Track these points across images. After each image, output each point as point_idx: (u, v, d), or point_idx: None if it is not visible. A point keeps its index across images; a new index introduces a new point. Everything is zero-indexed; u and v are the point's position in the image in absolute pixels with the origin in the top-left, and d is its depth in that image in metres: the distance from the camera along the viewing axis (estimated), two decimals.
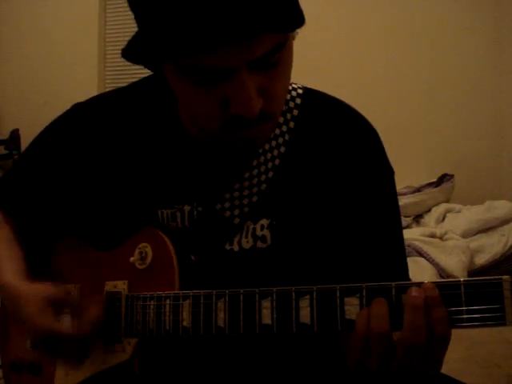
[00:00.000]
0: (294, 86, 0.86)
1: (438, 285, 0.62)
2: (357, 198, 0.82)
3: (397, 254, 0.85)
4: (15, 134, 3.94)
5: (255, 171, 0.81)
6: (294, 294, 0.68)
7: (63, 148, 0.88)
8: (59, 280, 0.87)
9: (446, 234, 2.73)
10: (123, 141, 0.85)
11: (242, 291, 0.71)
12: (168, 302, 0.76)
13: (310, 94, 0.86)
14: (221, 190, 0.81)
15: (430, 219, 3.00)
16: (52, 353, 0.79)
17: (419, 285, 0.63)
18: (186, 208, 0.81)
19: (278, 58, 0.68)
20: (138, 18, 0.67)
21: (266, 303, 0.69)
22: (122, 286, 0.81)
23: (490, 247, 2.68)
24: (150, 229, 0.81)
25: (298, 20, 0.65)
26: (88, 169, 0.87)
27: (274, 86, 0.69)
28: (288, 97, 0.83)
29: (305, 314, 0.67)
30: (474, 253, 2.64)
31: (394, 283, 0.64)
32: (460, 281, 0.61)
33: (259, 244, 0.80)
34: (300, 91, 0.85)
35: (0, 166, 4.06)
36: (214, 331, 0.72)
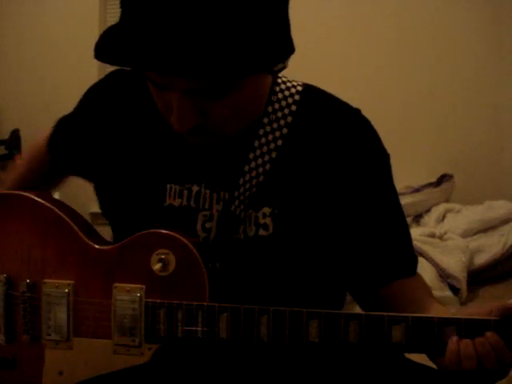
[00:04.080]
0: (293, 83, 0.89)
1: (471, 322, 0.72)
2: (355, 186, 0.85)
3: (398, 235, 0.89)
4: (15, 134, 3.93)
5: (253, 164, 0.84)
6: (342, 318, 0.74)
7: (97, 113, 0.93)
8: (51, 273, 0.83)
9: (445, 233, 2.73)
10: (142, 118, 0.89)
11: (287, 310, 0.74)
12: (200, 313, 0.76)
13: (308, 90, 0.89)
14: (230, 178, 0.84)
15: (429, 219, 2.99)
16: None
17: (460, 323, 0.72)
18: (195, 188, 0.84)
19: (227, 91, 0.71)
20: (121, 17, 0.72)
21: (314, 323, 0.74)
22: (138, 291, 0.79)
23: (490, 247, 2.68)
24: (168, 234, 0.79)
25: (230, 72, 0.67)
26: (110, 138, 0.90)
27: (219, 112, 0.73)
28: (287, 93, 0.87)
29: (353, 336, 0.73)
30: (473, 253, 2.64)
31: (436, 317, 0.73)
32: (490, 320, 0.72)
33: (261, 232, 0.82)
34: (299, 88, 0.89)
35: (0, 166, 4.05)
36: (256, 344, 0.75)
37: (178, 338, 0.77)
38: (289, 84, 0.89)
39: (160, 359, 0.80)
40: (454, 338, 0.72)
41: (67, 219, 0.84)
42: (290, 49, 0.72)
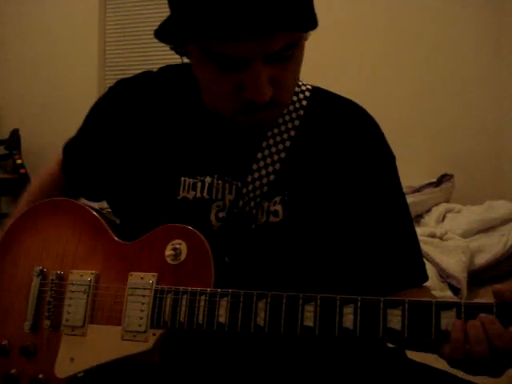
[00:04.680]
0: (302, 88, 0.93)
1: (472, 306, 0.68)
2: (363, 181, 0.87)
3: (402, 230, 0.89)
4: (15, 134, 3.93)
5: (261, 163, 0.87)
6: (338, 301, 0.72)
7: (103, 119, 0.96)
8: (73, 265, 0.88)
9: (445, 234, 2.73)
10: (156, 114, 0.92)
11: (285, 294, 0.75)
12: (203, 297, 0.78)
13: (316, 94, 0.93)
14: (241, 170, 0.86)
15: (430, 219, 2.99)
16: None
17: (460, 306, 0.69)
18: (207, 180, 0.87)
19: (292, 53, 0.76)
20: (171, 2, 0.76)
21: (310, 307, 0.73)
22: (150, 278, 0.82)
23: (490, 247, 2.68)
24: (183, 226, 0.83)
25: (313, 22, 0.74)
26: (124, 137, 0.93)
27: (285, 77, 0.78)
28: (295, 98, 0.90)
29: (348, 320, 0.72)
30: (473, 253, 2.64)
31: (434, 300, 0.70)
32: (493, 304, 0.68)
33: (272, 218, 0.85)
34: (307, 94, 0.93)
35: (0, 166, 4.06)
36: (253, 329, 0.75)
37: (180, 322, 0.78)
38: (297, 89, 0.91)
39: (163, 348, 0.81)
40: (458, 322, 0.68)
41: (100, 218, 0.90)
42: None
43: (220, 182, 0.86)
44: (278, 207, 0.85)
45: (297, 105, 0.90)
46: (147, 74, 0.97)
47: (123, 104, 0.94)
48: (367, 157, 0.88)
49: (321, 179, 0.87)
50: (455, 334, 0.68)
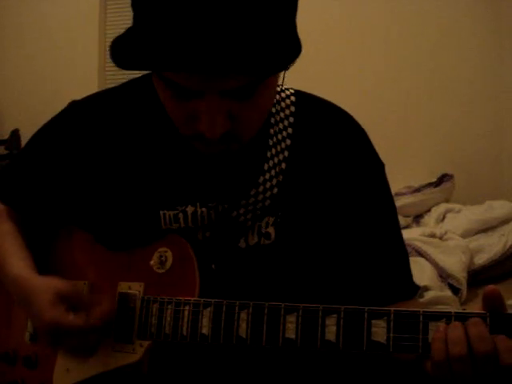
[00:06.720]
0: (286, 93, 0.88)
1: (463, 316, 0.63)
2: (353, 195, 0.85)
3: (394, 245, 0.87)
4: (15, 134, 3.93)
5: (267, 175, 0.83)
6: (320, 312, 0.69)
7: (62, 145, 0.88)
8: (66, 275, 0.87)
9: (445, 234, 2.73)
10: (124, 139, 0.85)
11: (266, 304, 0.72)
12: (187, 307, 0.76)
13: (301, 99, 0.89)
14: (235, 195, 0.82)
15: (429, 219, 2.99)
16: (57, 345, 0.78)
17: (450, 316, 0.64)
18: (189, 209, 0.82)
19: (254, 90, 0.70)
20: (135, 19, 0.68)
21: (292, 318, 0.70)
22: (137, 287, 0.81)
23: (490, 247, 2.68)
24: (169, 234, 0.81)
25: (271, 66, 0.66)
26: (88, 166, 0.87)
27: (246, 114, 0.72)
28: (283, 105, 0.86)
29: (330, 332, 0.68)
30: (473, 253, 2.64)
31: (421, 310, 0.65)
32: (486, 313, 0.63)
33: (263, 241, 0.82)
34: (293, 98, 0.88)
35: (0, 166, 4.06)
36: (235, 341, 0.72)
37: (165, 334, 0.77)
38: (283, 94, 0.88)
39: (152, 359, 0.80)
40: (441, 326, 0.63)
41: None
42: (300, 47, 0.71)
43: (204, 209, 0.81)
44: (271, 229, 0.82)
45: (286, 111, 0.86)
46: (115, 90, 0.89)
47: (84, 130, 0.86)
48: (357, 169, 0.86)
49: (313, 198, 0.84)
50: (436, 334, 0.63)
